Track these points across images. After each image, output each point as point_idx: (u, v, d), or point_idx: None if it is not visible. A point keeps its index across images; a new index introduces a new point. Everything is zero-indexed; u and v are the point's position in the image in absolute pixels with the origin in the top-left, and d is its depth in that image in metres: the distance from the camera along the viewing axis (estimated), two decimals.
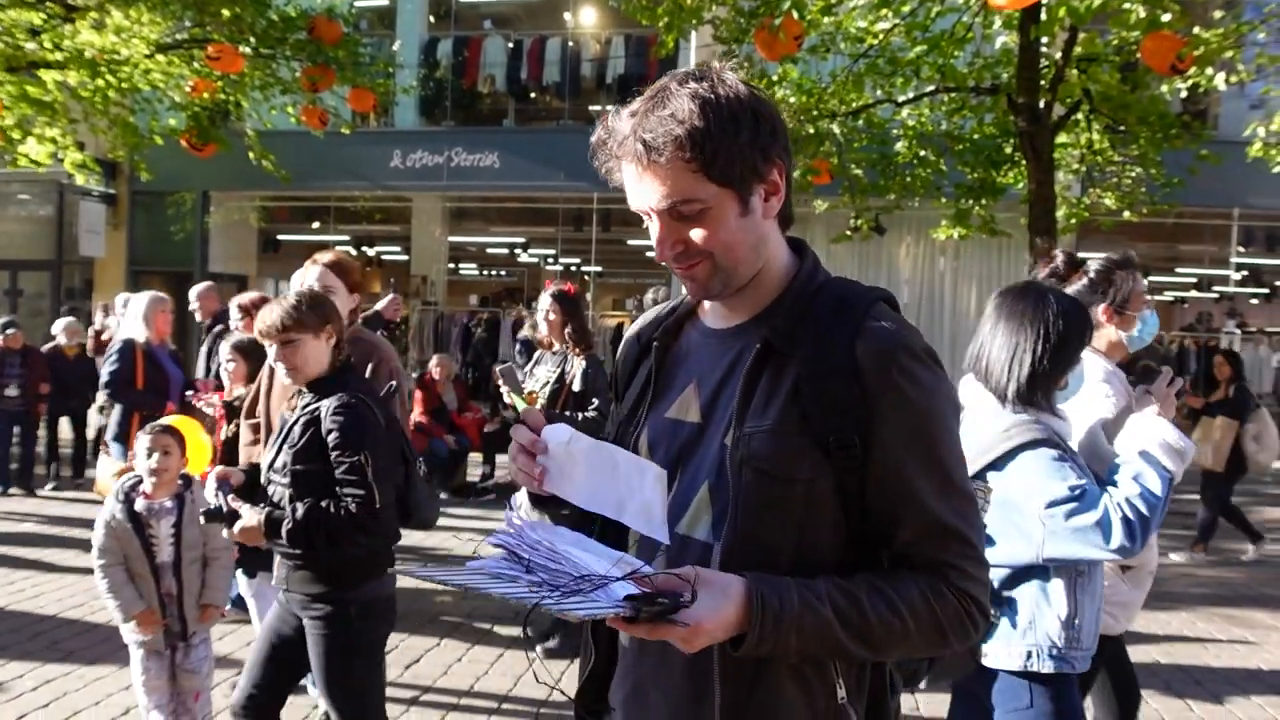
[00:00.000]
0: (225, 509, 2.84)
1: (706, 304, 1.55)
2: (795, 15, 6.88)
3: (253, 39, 9.69)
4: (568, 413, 4.89)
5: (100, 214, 15.49)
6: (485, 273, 21.47)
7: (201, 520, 2.94)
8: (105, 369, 6.45)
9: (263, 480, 2.95)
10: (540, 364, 5.21)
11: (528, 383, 5.13)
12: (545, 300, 5.08)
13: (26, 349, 9.07)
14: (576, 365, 4.97)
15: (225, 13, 9.42)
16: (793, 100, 9.39)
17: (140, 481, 3.45)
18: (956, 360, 2.61)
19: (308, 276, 3.58)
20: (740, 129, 1.35)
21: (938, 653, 1.44)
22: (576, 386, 4.92)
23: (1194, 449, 2.46)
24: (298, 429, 2.83)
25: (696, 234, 1.39)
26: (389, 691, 4.02)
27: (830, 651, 1.32)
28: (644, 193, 1.39)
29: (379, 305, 5.98)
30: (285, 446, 2.85)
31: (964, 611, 1.36)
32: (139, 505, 3.40)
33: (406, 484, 2.99)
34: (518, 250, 19.15)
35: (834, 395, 1.34)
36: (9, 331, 8.90)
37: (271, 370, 3.81)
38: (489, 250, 19.79)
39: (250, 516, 2.80)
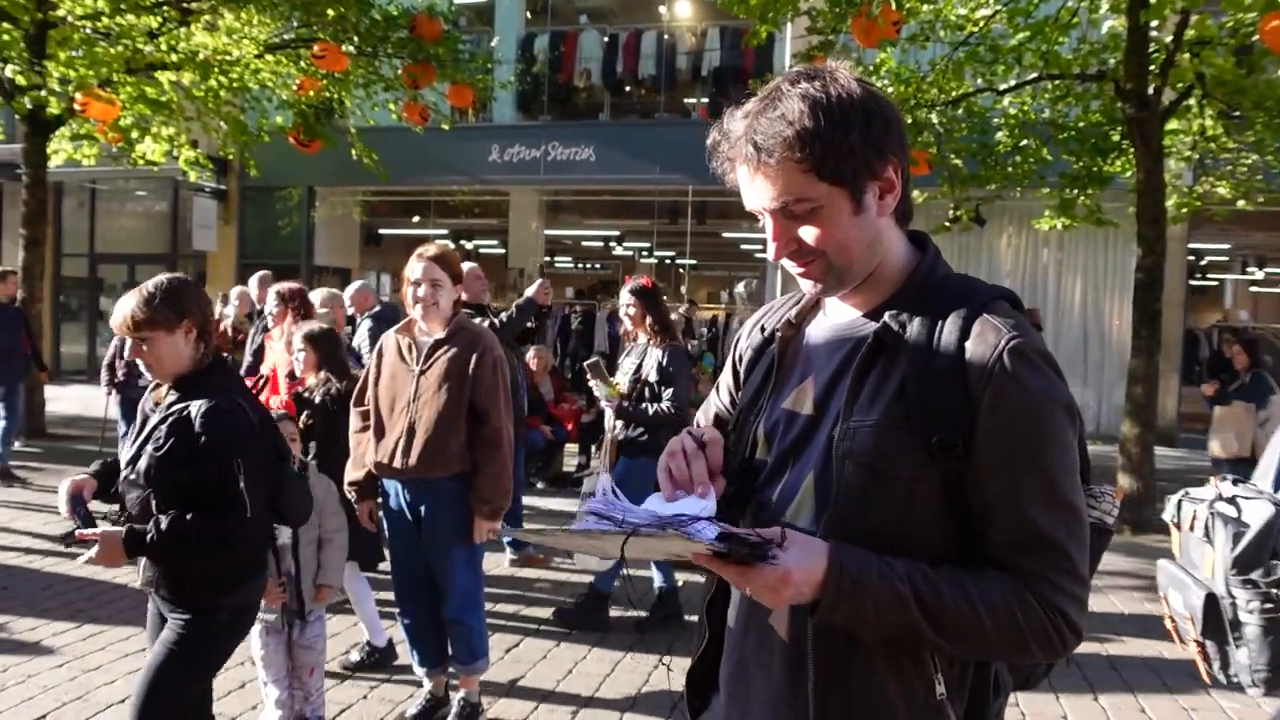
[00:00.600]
0: (78, 528, 2.61)
1: (830, 298, 1.56)
2: (893, 3, 6.78)
3: (356, 38, 9.96)
4: (642, 404, 4.97)
5: (212, 210, 16.09)
6: (580, 265, 21.67)
7: (63, 546, 2.84)
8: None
9: (120, 484, 2.76)
10: (627, 356, 5.29)
11: (616, 375, 5.22)
12: (625, 295, 5.22)
13: None
14: (653, 356, 5.03)
15: (330, 12, 9.70)
16: (890, 90, 9.25)
17: None
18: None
19: (413, 270, 3.72)
20: (851, 128, 1.35)
21: (1021, 660, 1.44)
22: (651, 376, 4.98)
23: None
24: (163, 430, 2.63)
25: (809, 233, 1.41)
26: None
27: (904, 629, 1.32)
28: (757, 193, 1.42)
29: (529, 291, 6.11)
30: (149, 448, 2.64)
31: (1050, 625, 1.32)
32: None
33: (279, 483, 2.84)
34: (613, 243, 19.27)
35: (938, 394, 1.34)
36: None
37: (380, 356, 3.93)
38: (584, 243, 19.96)
39: (107, 538, 2.55)
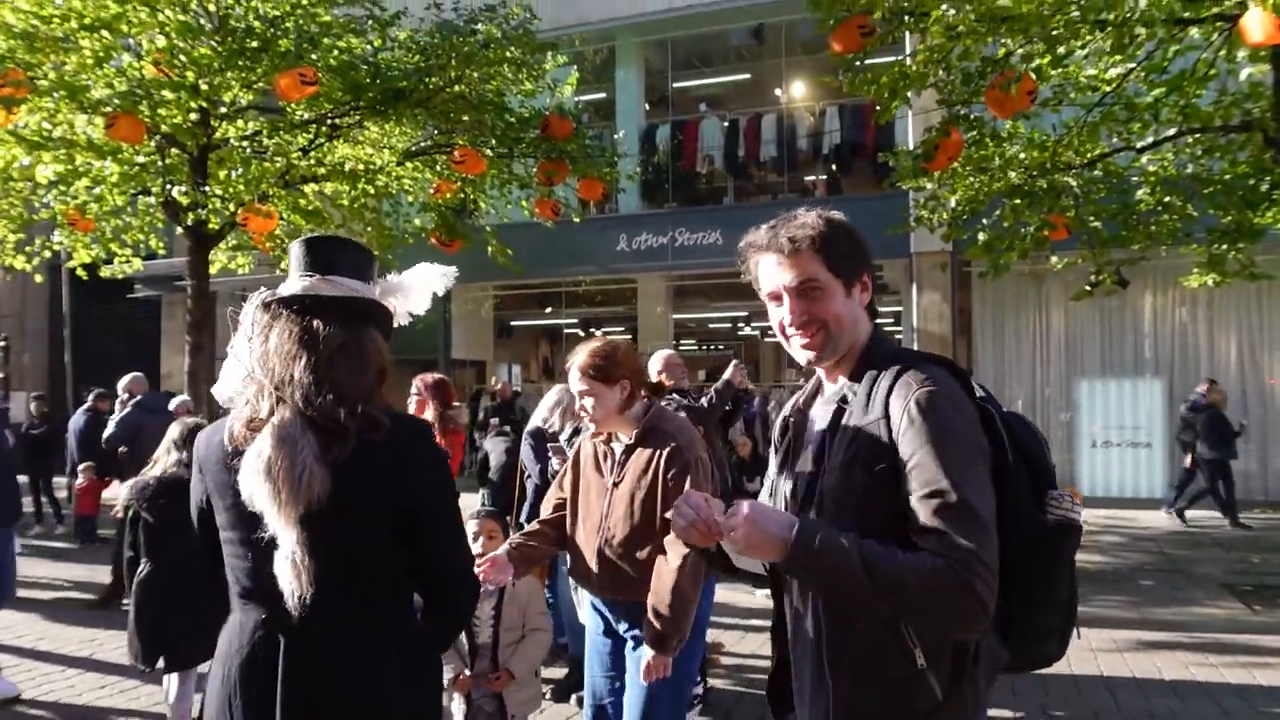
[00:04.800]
0: None
1: (824, 380, 2.10)
2: (1033, 75, 6.75)
3: (494, 140, 10.39)
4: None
5: None
6: (705, 347, 21.79)
7: None
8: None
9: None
10: None
11: None
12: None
13: None
14: None
15: (467, 118, 10.16)
16: (1023, 156, 9.15)
17: None
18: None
19: (570, 384, 3.46)
20: (842, 241, 1.97)
21: (956, 625, 1.75)
22: None
23: None
24: None
25: (818, 307, 1.95)
26: None
27: (848, 579, 1.72)
28: (783, 275, 1.97)
29: (726, 374, 5.93)
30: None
31: (960, 593, 1.68)
32: None
33: None
34: (740, 324, 19.34)
35: (871, 436, 1.85)
36: None
37: (575, 463, 3.60)
38: (710, 325, 20.10)
39: None
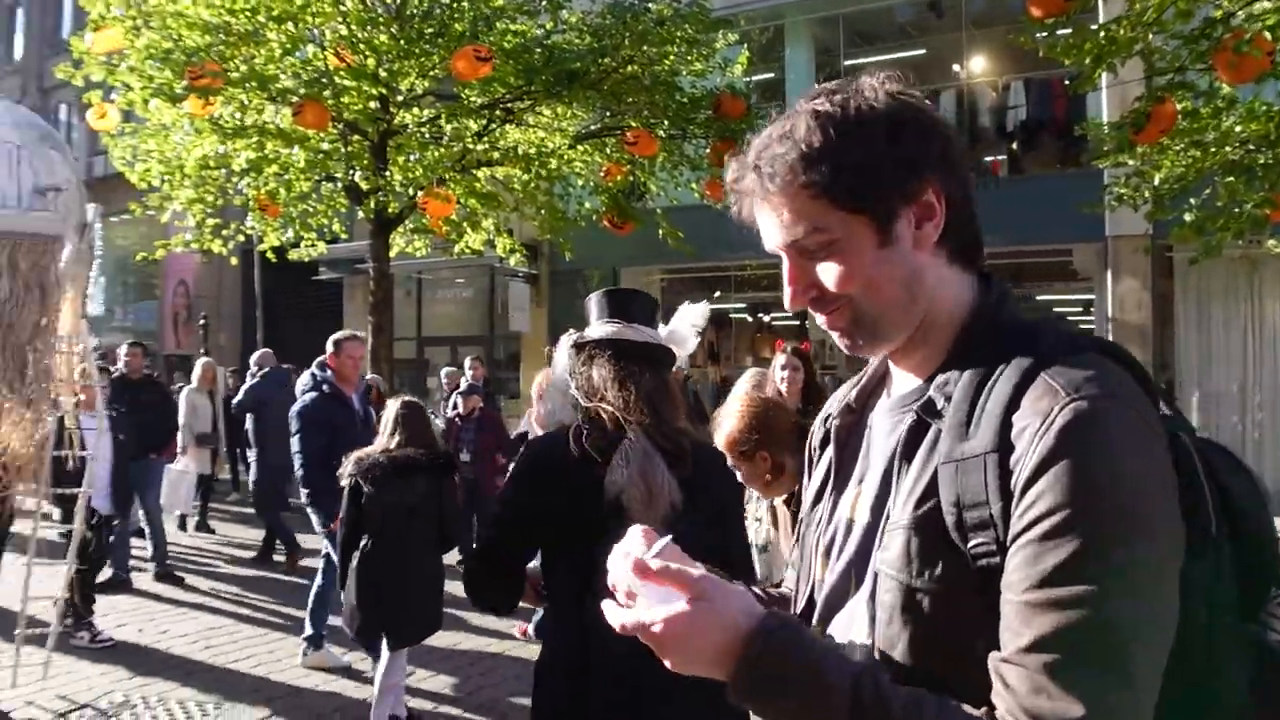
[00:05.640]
0: None
1: (892, 366, 1.27)
2: (1267, 35, 6.05)
3: (666, 121, 10.26)
4: None
5: (525, 293, 17.05)
6: None
7: None
8: None
9: None
10: None
11: None
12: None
13: (483, 415, 8.99)
14: None
15: (639, 99, 10.05)
16: (1240, 129, 8.33)
17: None
18: None
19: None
20: (871, 142, 1.11)
21: None
22: None
23: None
24: None
25: (829, 272, 1.16)
26: None
27: None
28: (766, 229, 1.20)
29: None
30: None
31: None
32: None
33: None
34: None
35: (974, 485, 1.02)
36: (470, 397, 9.19)
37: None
38: None
39: None
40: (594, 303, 2.63)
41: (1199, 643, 1.00)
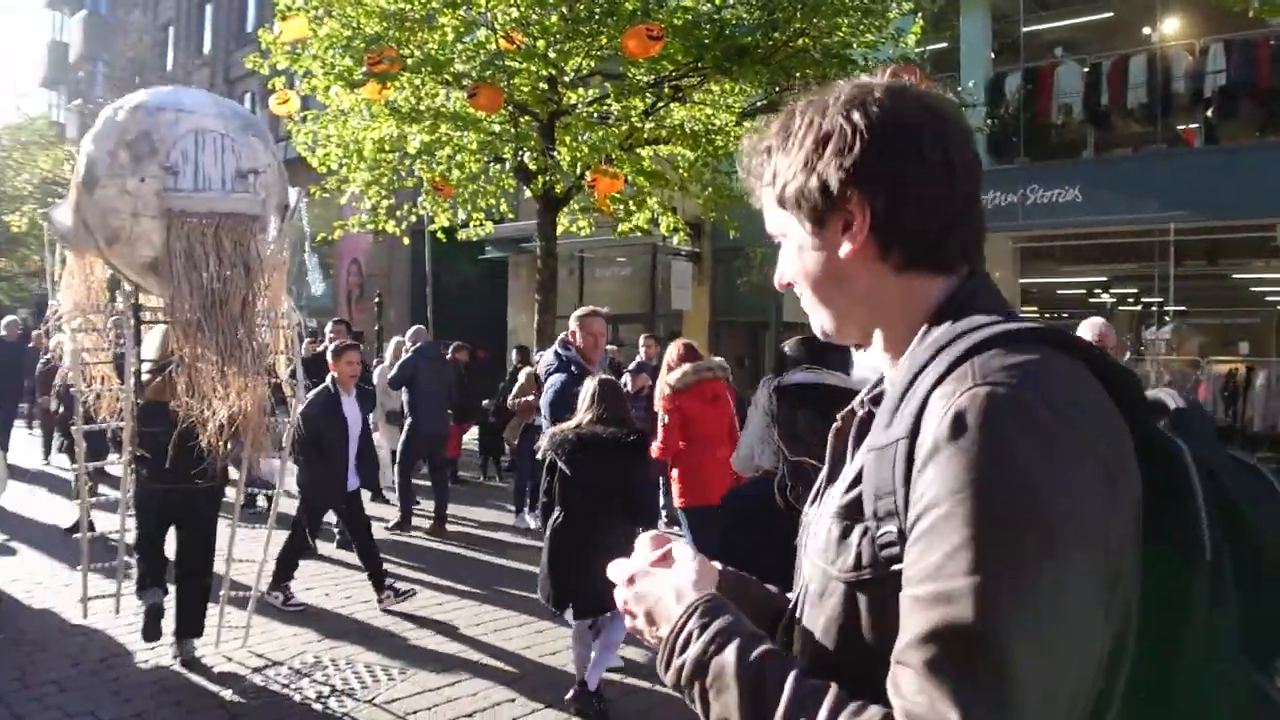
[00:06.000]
0: None
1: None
2: None
3: None
4: None
5: (688, 271, 17.04)
6: (1049, 315, 20.20)
7: None
8: None
9: None
10: None
11: None
12: None
13: (652, 393, 8.55)
14: None
15: (811, 73, 9.83)
16: None
17: None
18: None
19: None
20: (804, 143, 1.15)
21: None
22: None
23: None
24: None
25: (784, 262, 1.26)
26: None
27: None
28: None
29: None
30: None
31: None
32: None
33: None
34: (1097, 290, 17.70)
35: (885, 472, 1.01)
36: (640, 375, 9.38)
37: None
38: (1058, 291, 18.56)
39: None
40: (790, 349, 2.70)
41: (1183, 677, 0.96)
